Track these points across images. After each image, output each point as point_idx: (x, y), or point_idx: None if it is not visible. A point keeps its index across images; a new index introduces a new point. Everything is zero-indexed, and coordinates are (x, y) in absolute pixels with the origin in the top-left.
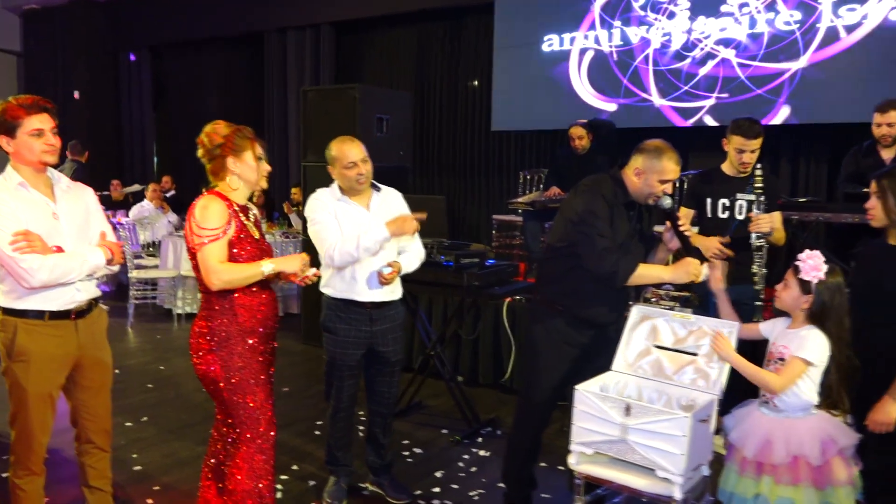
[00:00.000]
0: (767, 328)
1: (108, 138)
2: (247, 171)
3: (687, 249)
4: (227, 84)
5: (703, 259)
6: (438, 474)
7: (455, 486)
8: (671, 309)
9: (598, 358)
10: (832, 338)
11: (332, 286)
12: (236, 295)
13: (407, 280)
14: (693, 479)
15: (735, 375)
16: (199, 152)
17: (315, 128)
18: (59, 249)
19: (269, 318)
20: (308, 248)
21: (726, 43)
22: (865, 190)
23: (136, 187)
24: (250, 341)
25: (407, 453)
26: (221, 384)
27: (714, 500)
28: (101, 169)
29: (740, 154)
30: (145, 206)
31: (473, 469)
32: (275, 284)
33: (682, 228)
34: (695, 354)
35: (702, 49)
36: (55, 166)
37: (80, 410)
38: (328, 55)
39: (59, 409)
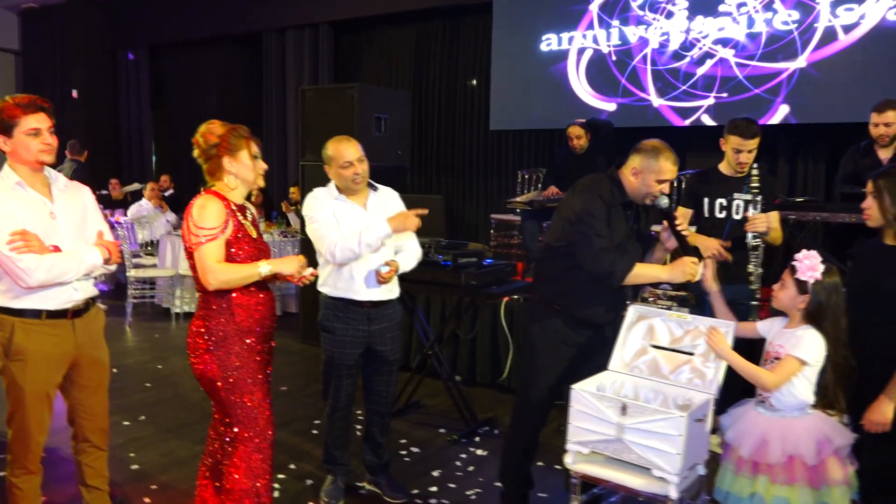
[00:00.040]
0: (765, 327)
1: (106, 137)
2: (243, 171)
3: (684, 249)
4: (226, 83)
5: (701, 258)
6: (436, 473)
7: (452, 486)
8: (668, 308)
9: (595, 357)
10: (828, 338)
11: (329, 285)
12: (234, 295)
13: (405, 279)
14: (689, 479)
15: (732, 375)
16: (195, 153)
17: (313, 127)
18: (57, 249)
19: (266, 318)
20: (306, 247)
21: (724, 42)
22: (862, 190)
23: (135, 186)
24: (248, 341)
25: (404, 452)
26: (219, 383)
27: (710, 500)
28: (99, 168)
29: (737, 154)
30: (143, 206)
31: (471, 468)
32: (272, 284)
33: (679, 228)
34: (691, 354)
35: (700, 49)
36: (53, 166)
37: (78, 409)
38: (327, 54)
39: (56, 407)
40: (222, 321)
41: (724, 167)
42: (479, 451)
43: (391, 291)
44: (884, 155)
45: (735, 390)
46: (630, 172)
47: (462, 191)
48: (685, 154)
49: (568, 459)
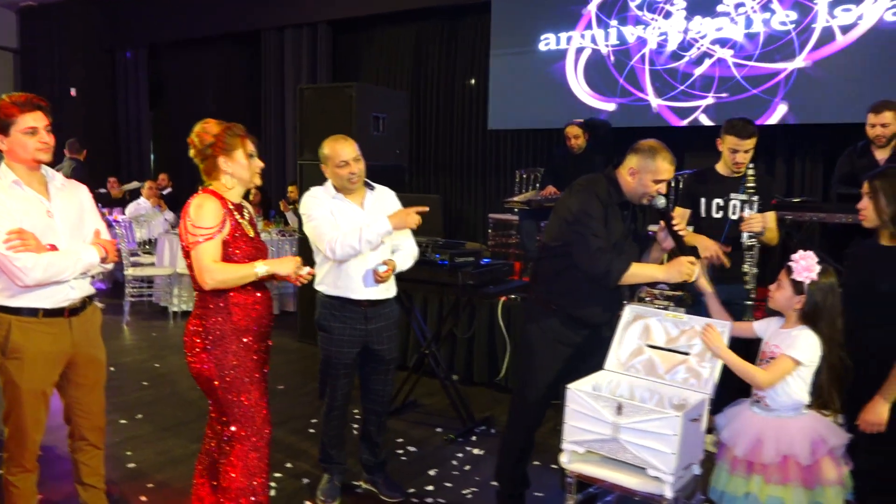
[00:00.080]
0: (761, 327)
1: (104, 136)
2: (239, 170)
3: (681, 249)
4: (224, 82)
5: (699, 258)
6: (432, 472)
7: (449, 485)
8: (665, 308)
9: (592, 357)
10: (824, 338)
11: (326, 284)
12: (231, 294)
13: (402, 278)
14: (684, 478)
15: (728, 374)
16: (191, 152)
17: (312, 126)
18: (53, 247)
19: (263, 317)
20: (304, 246)
21: (722, 43)
22: (859, 191)
23: (134, 184)
24: (245, 340)
25: (401, 451)
26: (216, 382)
27: (705, 499)
28: (97, 166)
29: (734, 154)
30: (142, 204)
31: (467, 467)
32: (270, 283)
33: (676, 228)
34: (687, 354)
35: (698, 49)
36: (52, 164)
37: (74, 408)
38: (325, 54)
39: (52, 406)
40: (219, 320)
41: (720, 167)
42: (476, 451)
43: (388, 290)
44: (880, 155)
45: (731, 390)
46: (627, 172)
47: (460, 190)
48: (683, 154)
49: (563, 459)
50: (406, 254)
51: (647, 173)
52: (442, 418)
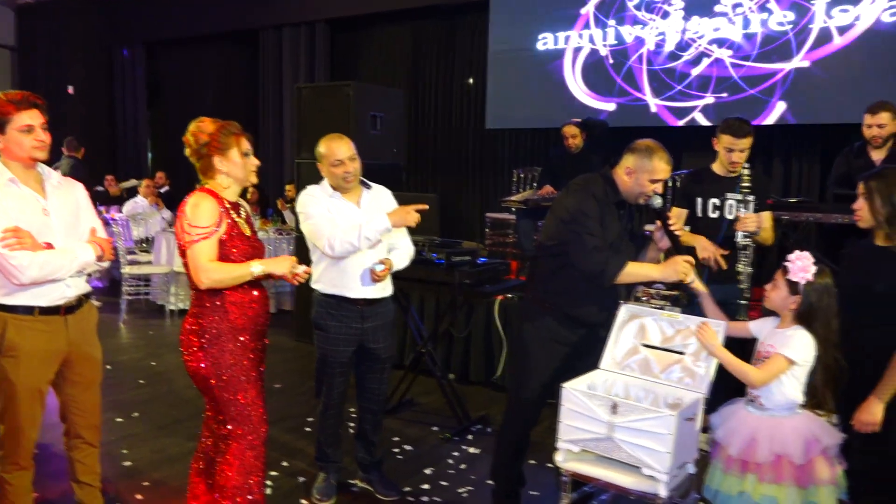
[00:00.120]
0: (757, 327)
1: (102, 133)
2: (234, 169)
3: (677, 249)
4: (222, 80)
5: (696, 258)
6: (428, 471)
7: (444, 483)
8: (661, 308)
9: (588, 356)
10: (819, 339)
11: (323, 282)
12: (227, 292)
13: (398, 277)
14: (678, 477)
15: (723, 374)
16: (187, 152)
17: (309, 125)
18: (49, 246)
19: (259, 316)
20: (301, 244)
21: (720, 43)
22: (855, 192)
23: (132, 182)
24: (241, 338)
25: (397, 450)
26: (212, 381)
27: (699, 498)
28: (98, 167)
29: (729, 153)
30: (139, 202)
31: (463, 466)
32: (266, 282)
33: (672, 228)
34: (682, 353)
35: (696, 48)
36: (50, 163)
37: (70, 406)
38: (323, 52)
39: (48, 403)
40: (216, 319)
41: (717, 167)
42: (472, 449)
43: (385, 289)
44: (877, 156)
45: (726, 389)
46: (624, 172)
47: (458, 189)
48: (681, 154)
49: (558, 457)
50: (402, 253)
51: (643, 173)
52: (438, 417)
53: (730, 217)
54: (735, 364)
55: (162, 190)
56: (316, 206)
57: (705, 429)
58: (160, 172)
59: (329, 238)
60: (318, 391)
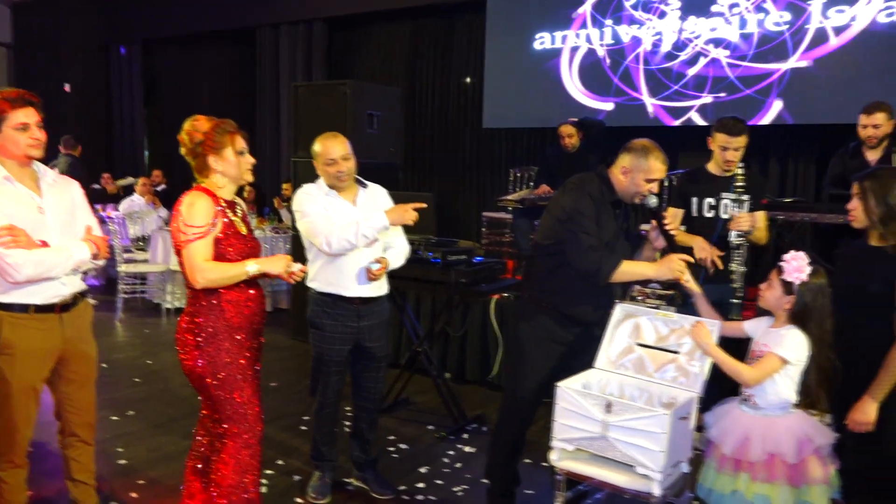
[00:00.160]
0: (752, 327)
1: (98, 131)
2: (229, 168)
3: (672, 248)
4: (219, 79)
5: (693, 257)
6: (423, 470)
7: (440, 482)
8: (656, 307)
9: (583, 355)
10: (813, 338)
11: (319, 281)
12: (223, 291)
13: (394, 276)
14: (672, 476)
15: (718, 373)
16: (182, 150)
17: (306, 123)
18: (45, 244)
19: (255, 314)
20: (298, 243)
21: (717, 43)
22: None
23: (129, 180)
24: (237, 337)
25: (392, 449)
26: (208, 380)
27: (693, 497)
28: (97, 166)
29: (724, 152)
30: (135, 201)
31: (458, 465)
32: (263, 280)
33: (667, 227)
34: (676, 352)
35: (693, 48)
36: (47, 160)
37: (65, 403)
38: (320, 51)
39: (43, 401)
40: (212, 318)
41: (712, 166)
42: (468, 448)
43: (381, 288)
44: (872, 156)
45: (720, 388)
46: (619, 171)
47: (454, 188)
48: (677, 154)
49: (553, 456)
50: (398, 251)
51: (639, 172)
52: (433, 416)
53: (725, 217)
54: (729, 363)
55: (158, 188)
56: (312, 205)
57: (699, 428)
58: (157, 171)
59: (326, 235)
60: (314, 390)
